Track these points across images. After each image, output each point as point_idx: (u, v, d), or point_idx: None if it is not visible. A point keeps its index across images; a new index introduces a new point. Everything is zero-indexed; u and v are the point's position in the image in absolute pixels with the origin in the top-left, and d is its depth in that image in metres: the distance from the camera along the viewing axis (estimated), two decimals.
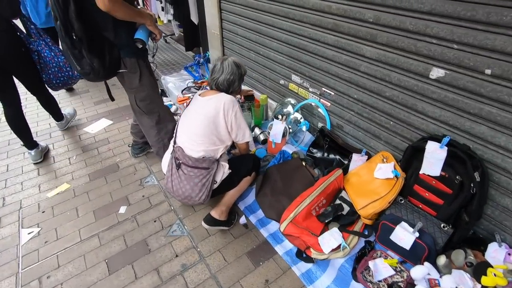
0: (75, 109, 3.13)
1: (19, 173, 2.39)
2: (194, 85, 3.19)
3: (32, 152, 2.44)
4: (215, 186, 1.70)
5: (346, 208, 1.71)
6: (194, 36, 3.65)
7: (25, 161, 2.52)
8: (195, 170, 1.63)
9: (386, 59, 1.54)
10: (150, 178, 2.30)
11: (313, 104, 2.25)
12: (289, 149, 2.12)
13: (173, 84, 3.32)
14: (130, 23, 1.70)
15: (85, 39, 1.54)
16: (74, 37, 1.51)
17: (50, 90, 2.61)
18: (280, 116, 2.37)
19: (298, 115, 2.32)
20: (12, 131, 2.40)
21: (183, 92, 3.13)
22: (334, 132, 2.06)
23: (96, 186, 2.24)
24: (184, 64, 3.86)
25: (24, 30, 2.20)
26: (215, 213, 1.76)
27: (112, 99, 2.04)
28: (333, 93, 1.98)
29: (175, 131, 1.79)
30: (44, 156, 2.54)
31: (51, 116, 2.88)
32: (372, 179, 1.71)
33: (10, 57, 2.02)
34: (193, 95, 3.02)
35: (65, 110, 3.00)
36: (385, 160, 1.70)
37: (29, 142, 2.41)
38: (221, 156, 1.73)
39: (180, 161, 1.65)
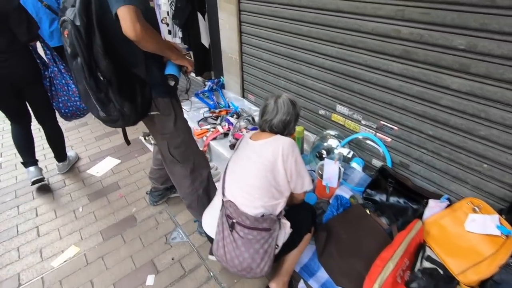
0: (77, 153, 2.74)
1: (13, 235, 1.96)
2: (211, 115, 2.87)
3: (31, 168, 2.27)
4: (277, 251, 1.37)
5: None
6: (204, 60, 3.36)
7: (20, 218, 2.09)
8: (254, 232, 1.30)
9: (482, 93, 1.29)
10: (177, 234, 1.93)
11: (360, 137, 1.98)
12: (344, 192, 1.82)
13: (186, 114, 2.98)
14: (159, 56, 1.40)
15: (114, 79, 1.21)
16: (101, 78, 1.19)
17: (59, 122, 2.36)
18: (324, 152, 2.08)
19: (345, 150, 2.04)
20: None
21: (200, 123, 2.80)
22: (399, 173, 1.77)
23: (113, 247, 1.85)
24: (194, 90, 3.55)
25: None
26: (277, 286, 1.42)
27: (128, 143, 1.69)
28: (396, 128, 1.71)
29: (222, 180, 1.47)
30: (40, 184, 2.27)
31: (53, 153, 2.47)
32: (464, 233, 1.42)
33: (28, 77, 1.97)
34: (213, 128, 2.70)
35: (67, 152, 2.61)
36: (477, 209, 1.42)
37: (30, 159, 2.28)
38: (280, 212, 1.42)
39: (234, 220, 1.32)
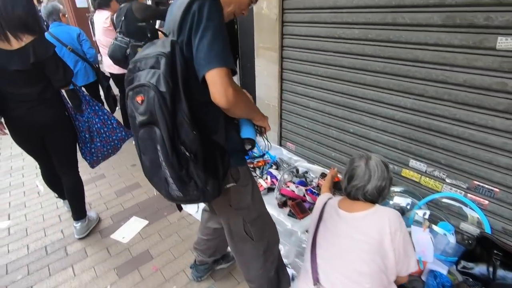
0: (97, 214, 2.42)
1: None
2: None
3: (67, 201, 2.28)
4: None
5: None
6: None
7: None
8: None
9: None
10: None
11: (443, 197, 1.74)
12: (438, 266, 1.53)
13: None
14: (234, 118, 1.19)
15: (201, 153, 0.97)
16: (188, 154, 0.94)
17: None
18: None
19: (421, 212, 1.78)
20: None
21: None
22: (503, 241, 1.51)
23: None
24: None
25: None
26: None
27: (181, 209, 1.41)
28: (497, 190, 1.49)
29: (310, 261, 1.19)
30: None
31: (71, 210, 2.18)
32: None
33: (53, 124, 1.88)
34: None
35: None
36: None
37: (63, 194, 2.28)
38: None
39: None
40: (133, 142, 3.70)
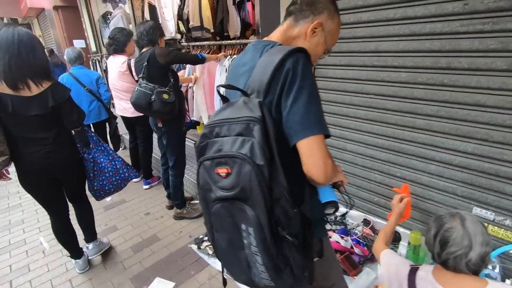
0: (108, 239, 2.43)
1: None
2: None
3: (80, 261, 2.22)
4: None
5: None
6: None
7: None
8: None
9: None
10: None
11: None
12: None
13: None
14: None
15: (301, 234, 0.81)
16: (289, 237, 0.77)
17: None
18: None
19: (490, 265, 1.62)
20: None
21: None
22: None
23: None
24: None
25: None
26: None
27: (225, 283, 1.18)
28: None
29: None
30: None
31: (83, 233, 2.28)
32: None
33: (68, 165, 1.95)
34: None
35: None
36: None
37: (74, 252, 2.21)
38: None
39: None
40: (144, 186, 3.53)
